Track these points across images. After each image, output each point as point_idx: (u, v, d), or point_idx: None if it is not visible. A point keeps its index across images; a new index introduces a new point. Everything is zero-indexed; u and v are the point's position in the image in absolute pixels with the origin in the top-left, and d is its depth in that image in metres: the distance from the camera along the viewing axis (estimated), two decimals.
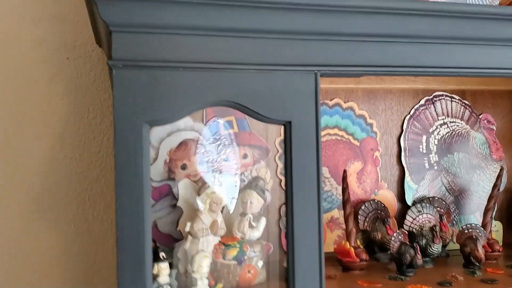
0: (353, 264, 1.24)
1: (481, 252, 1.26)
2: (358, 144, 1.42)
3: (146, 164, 0.86)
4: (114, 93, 0.84)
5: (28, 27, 1.24)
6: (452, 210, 1.47)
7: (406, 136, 1.46)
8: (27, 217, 1.24)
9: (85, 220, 1.29)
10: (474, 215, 1.50)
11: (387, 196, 1.44)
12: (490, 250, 1.32)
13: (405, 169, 1.45)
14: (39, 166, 1.25)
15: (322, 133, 1.32)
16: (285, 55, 0.92)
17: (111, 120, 1.29)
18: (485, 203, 1.50)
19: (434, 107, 1.49)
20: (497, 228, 1.51)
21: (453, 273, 1.22)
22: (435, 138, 1.48)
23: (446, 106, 1.50)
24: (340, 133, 1.41)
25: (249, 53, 0.90)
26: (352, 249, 1.24)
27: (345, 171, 1.29)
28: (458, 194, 1.50)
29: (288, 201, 0.93)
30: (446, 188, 1.49)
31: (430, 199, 1.43)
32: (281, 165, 1.35)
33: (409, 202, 1.44)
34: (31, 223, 1.25)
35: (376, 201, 1.40)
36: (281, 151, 1.35)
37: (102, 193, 1.29)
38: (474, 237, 1.28)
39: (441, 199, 1.44)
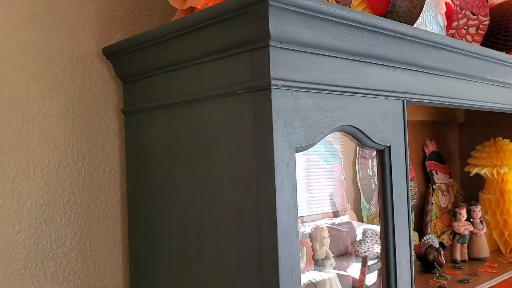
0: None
1: (443, 258, 1.47)
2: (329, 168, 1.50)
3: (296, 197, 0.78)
4: (273, 116, 0.74)
5: (14, 30, 0.94)
6: None
7: (358, 161, 1.60)
8: (14, 278, 0.93)
9: (86, 274, 1.02)
10: None
11: (352, 216, 1.54)
12: None
13: (360, 190, 1.58)
14: (29, 207, 0.95)
15: (307, 157, 1.36)
16: (379, 80, 0.95)
17: (113, 148, 1.07)
18: None
19: None
20: (414, 238, 1.77)
21: (435, 279, 1.40)
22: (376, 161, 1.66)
23: None
24: (317, 158, 1.46)
25: (358, 77, 0.90)
26: None
27: None
28: None
29: (388, 223, 0.96)
30: None
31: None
32: None
33: (365, 221, 1.58)
34: (19, 286, 0.93)
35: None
36: None
37: (104, 238, 1.05)
38: (433, 246, 1.49)
39: None
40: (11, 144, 0.93)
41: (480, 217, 1.66)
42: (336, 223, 1.50)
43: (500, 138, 1.77)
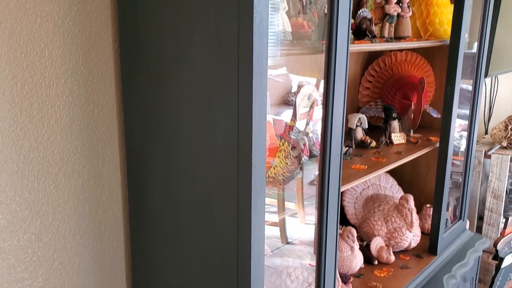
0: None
1: (374, 27, 1.76)
2: None
3: None
4: None
5: None
6: None
7: None
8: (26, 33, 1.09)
9: (85, 52, 1.21)
10: None
11: None
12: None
13: None
14: None
15: None
16: None
17: None
18: None
19: None
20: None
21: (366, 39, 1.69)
22: None
23: None
24: None
25: None
26: (305, 22, 1.56)
27: None
28: None
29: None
30: None
31: None
32: None
33: None
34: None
35: None
36: None
37: (98, 32, 1.22)
38: (367, 17, 1.76)
39: None
40: None
41: (408, 3, 1.93)
42: (274, 74, 1.71)
43: None
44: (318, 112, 1.63)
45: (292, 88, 1.82)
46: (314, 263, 1.45)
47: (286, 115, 1.66)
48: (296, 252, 1.83)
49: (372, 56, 2.28)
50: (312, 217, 1.75)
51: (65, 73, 1.21)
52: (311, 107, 1.70)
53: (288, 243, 1.85)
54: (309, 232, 1.75)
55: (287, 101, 1.78)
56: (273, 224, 1.81)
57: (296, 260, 1.78)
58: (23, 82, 1.14)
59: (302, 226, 1.87)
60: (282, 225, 1.85)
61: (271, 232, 1.82)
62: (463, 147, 2.24)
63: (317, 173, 1.48)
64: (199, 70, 1.12)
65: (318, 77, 1.88)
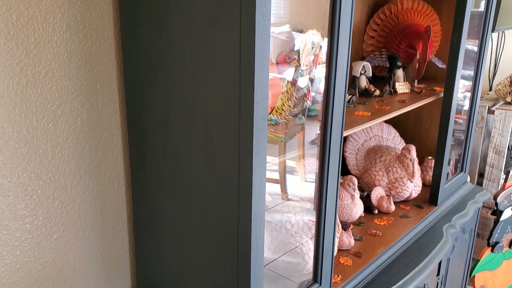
0: None
1: None
2: None
3: None
4: None
5: None
6: None
7: None
8: None
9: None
10: None
11: None
12: None
13: None
14: None
15: None
16: None
17: None
18: None
19: None
20: None
21: None
22: None
23: None
24: None
25: None
26: None
27: None
28: None
29: None
30: None
31: None
32: None
33: None
34: None
35: None
36: None
37: None
38: None
39: None
40: None
41: None
42: (276, 32, 1.65)
43: None
44: (322, 58, 1.60)
45: (295, 46, 1.78)
46: (314, 218, 1.45)
47: (288, 73, 1.64)
48: (296, 207, 1.83)
49: (377, 4, 2.22)
50: (312, 175, 1.74)
51: (62, 7, 1.17)
52: (315, 53, 1.67)
53: (288, 199, 1.86)
54: (309, 190, 1.75)
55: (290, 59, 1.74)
56: (274, 180, 1.81)
57: (296, 214, 1.78)
58: (19, 14, 1.10)
59: (303, 184, 1.87)
60: (282, 176, 1.85)
61: (272, 189, 1.82)
62: (466, 107, 2.21)
63: (318, 132, 1.47)
64: (200, 3, 1.08)
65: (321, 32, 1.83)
